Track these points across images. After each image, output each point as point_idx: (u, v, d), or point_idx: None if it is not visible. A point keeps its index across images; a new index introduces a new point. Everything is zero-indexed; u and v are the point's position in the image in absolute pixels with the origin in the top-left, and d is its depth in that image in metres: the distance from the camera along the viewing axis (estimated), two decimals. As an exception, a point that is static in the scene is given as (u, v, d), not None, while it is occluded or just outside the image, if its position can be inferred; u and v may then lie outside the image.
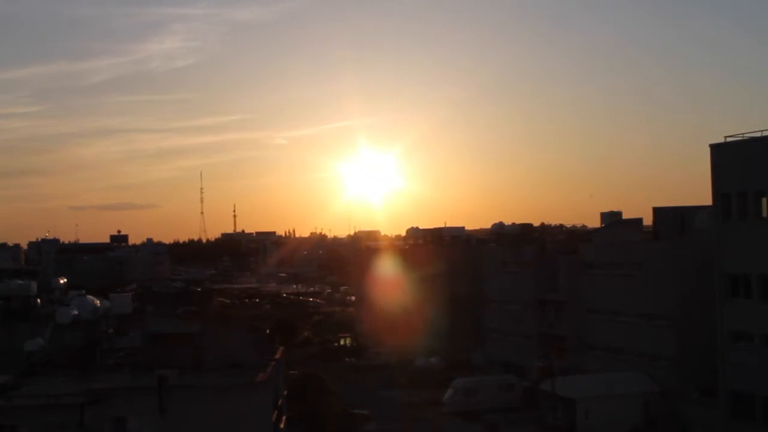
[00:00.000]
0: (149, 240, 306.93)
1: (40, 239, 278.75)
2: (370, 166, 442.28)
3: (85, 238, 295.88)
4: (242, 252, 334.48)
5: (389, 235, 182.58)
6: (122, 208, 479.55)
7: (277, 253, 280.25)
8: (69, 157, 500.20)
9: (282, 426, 49.95)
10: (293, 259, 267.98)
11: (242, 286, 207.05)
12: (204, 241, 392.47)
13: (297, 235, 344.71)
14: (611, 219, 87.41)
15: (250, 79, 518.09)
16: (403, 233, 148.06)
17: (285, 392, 54.76)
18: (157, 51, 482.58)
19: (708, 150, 58.28)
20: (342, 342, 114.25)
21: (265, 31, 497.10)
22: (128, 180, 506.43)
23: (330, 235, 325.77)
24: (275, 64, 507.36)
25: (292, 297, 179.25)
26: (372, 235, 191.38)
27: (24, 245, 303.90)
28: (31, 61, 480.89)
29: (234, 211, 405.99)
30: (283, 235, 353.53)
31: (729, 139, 56.94)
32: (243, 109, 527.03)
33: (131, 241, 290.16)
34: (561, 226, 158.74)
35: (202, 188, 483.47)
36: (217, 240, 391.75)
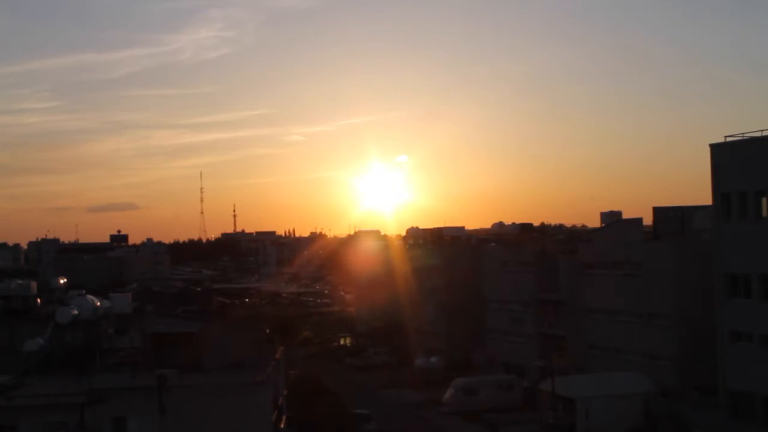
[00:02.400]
0: (149, 240, 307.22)
1: (40, 239, 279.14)
2: (375, 166, 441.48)
3: (85, 238, 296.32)
4: (242, 252, 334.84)
5: (389, 235, 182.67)
6: (123, 208, 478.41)
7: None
8: (79, 154, 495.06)
9: (282, 426, 49.95)
10: (299, 259, 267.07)
11: (243, 286, 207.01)
12: (204, 240, 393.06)
13: (297, 234, 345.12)
14: (611, 219, 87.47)
15: (280, 72, 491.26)
16: (403, 233, 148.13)
17: (285, 392, 54.75)
18: (189, 41, 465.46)
19: (708, 150, 58.34)
20: (342, 342, 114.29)
21: (305, 19, 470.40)
22: (134, 179, 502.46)
23: (330, 234, 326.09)
24: (309, 55, 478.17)
25: (292, 297, 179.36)
26: (372, 235, 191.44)
27: (24, 245, 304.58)
28: (54, 52, 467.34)
29: (234, 210, 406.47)
30: (283, 234, 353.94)
31: (729, 139, 56.99)
32: (266, 104, 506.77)
33: (131, 241, 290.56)
34: (561, 226, 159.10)
35: (202, 188, 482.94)
36: (217, 240, 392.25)
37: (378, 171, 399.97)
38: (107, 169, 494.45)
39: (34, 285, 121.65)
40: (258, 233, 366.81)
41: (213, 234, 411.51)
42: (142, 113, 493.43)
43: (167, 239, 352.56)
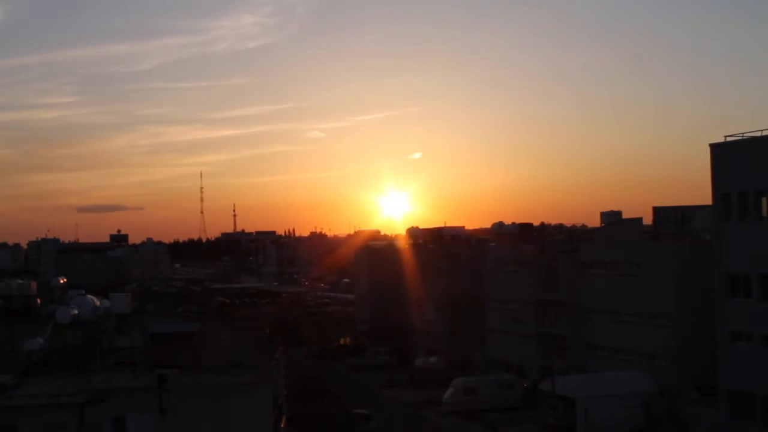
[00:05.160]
0: (149, 240, 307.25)
1: (40, 239, 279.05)
2: (378, 166, 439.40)
3: (85, 238, 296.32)
4: (242, 252, 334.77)
5: (389, 235, 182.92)
6: (123, 208, 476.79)
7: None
8: (89, 152, 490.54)
9: (282, 426, 49.94)
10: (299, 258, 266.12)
11: (243, 286, 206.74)
12: (204, 240, 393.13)
13: (297, 234, 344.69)
14: (611, 219, 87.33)
15: (317, 63, 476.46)
16: (404, 233, 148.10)
17: (285, 392, 54.75)
18: (231, 28, 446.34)
19: (708, 150, 58.33)
20: (342, 342, 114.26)
21: (354, 5, 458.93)
22: (141, 177, 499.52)
23: (330, 234, 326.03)
24: (350, 46, 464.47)
25: (292, 297, 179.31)
26: (372, 235, 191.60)
27: (24, 245, 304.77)
28: (85, 41, 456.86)
29: (234, 210, 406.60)
30: (283, 234, 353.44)
31: (729, 139, 56.98)
32: (295, 98, 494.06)
33: (131, 241, 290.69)
34: (561, 226, 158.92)
35: (202, 187, 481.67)
36: (217, 240, 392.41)
37: (381, 170, 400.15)
38: (115, 167, 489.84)
39: (34, 285, 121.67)
40: (258, 233, 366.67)
41: (213, 234, 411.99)
42: (162, 108, 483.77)
43: (167, 239, 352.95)
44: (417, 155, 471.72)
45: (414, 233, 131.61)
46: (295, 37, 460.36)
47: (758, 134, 55.01)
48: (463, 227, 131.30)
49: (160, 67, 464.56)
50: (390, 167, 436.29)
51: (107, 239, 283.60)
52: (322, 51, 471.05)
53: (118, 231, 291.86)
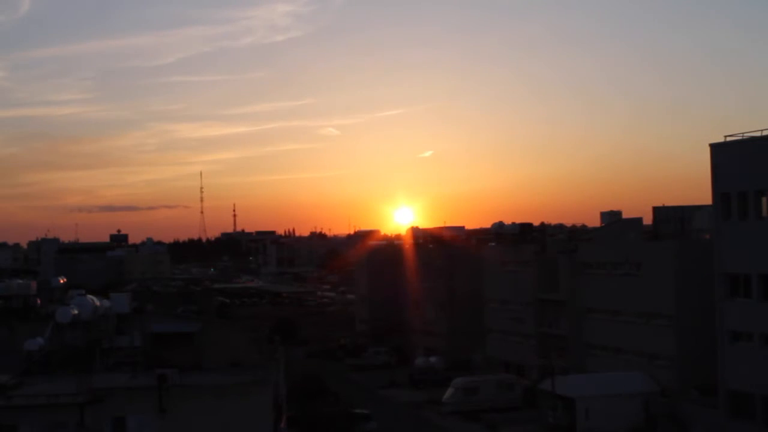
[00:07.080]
0: (149, 240, 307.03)
1: (40, 239, 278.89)
2: (379, 166, 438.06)
3: (85, 238, 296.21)
4: (242, 251, 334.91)
5: (390, 234, 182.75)
6: (126, 209, 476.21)
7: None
8: (97, 150, 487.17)
9: (282, 426, 49.93)
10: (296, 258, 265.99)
11: (243, 286, 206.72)
12: (204, 240, 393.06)
13: (297, 234, 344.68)
14: (611, 219, 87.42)
15: (340, 59, 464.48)
16: (404, 232, 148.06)
17: (285, 392, 54.75)
18: (263, 18, 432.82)
19: (708, 150, 58.33)
20: (342, 342, 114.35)
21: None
22: (146, 177, 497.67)
23: (330, 234, 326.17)
24: (380, 41, 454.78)
25: (292, 296, 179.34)
26: (372, 235, 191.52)
27: (24, 245, 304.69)
28: (109, 34, 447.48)
29: (234, 210, 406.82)
30: (283, 234, 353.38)
31: (729, 139, 56.97)
32: (313, 93, 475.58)
33: (131, 240, 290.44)
34: (561, 225, 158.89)
35: (202, 187, 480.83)
36: (217, 239, 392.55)
37: (386, 170, 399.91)
38: (121, 166, 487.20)
39: (34, 285, 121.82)
40: (258, 233, 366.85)
41: (213, 234, 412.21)
42: (176, 104, 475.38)
43: (168, 239, 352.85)
44: (427, 153, 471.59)
45: (414, 233, 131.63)
46: (326, 30, 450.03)
47: (758, 134, 55.01)
48: (463, 227, 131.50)
49: (181, 61, 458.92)
50: (395, 166, 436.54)
51: (107, 239, 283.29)
52: (345, 46, 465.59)
53: (118, 231, 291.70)
